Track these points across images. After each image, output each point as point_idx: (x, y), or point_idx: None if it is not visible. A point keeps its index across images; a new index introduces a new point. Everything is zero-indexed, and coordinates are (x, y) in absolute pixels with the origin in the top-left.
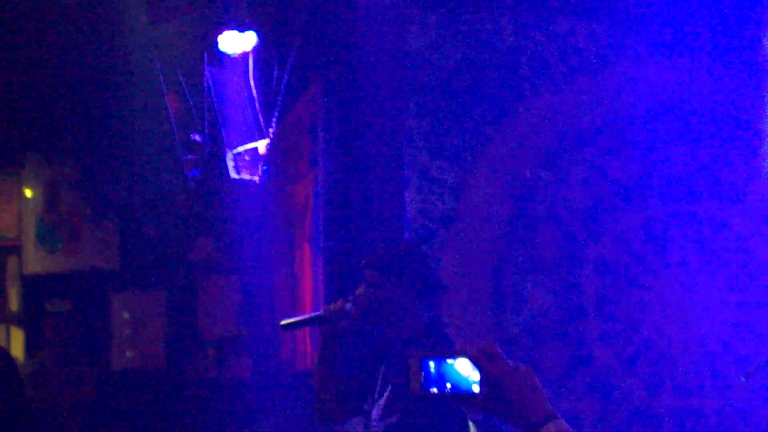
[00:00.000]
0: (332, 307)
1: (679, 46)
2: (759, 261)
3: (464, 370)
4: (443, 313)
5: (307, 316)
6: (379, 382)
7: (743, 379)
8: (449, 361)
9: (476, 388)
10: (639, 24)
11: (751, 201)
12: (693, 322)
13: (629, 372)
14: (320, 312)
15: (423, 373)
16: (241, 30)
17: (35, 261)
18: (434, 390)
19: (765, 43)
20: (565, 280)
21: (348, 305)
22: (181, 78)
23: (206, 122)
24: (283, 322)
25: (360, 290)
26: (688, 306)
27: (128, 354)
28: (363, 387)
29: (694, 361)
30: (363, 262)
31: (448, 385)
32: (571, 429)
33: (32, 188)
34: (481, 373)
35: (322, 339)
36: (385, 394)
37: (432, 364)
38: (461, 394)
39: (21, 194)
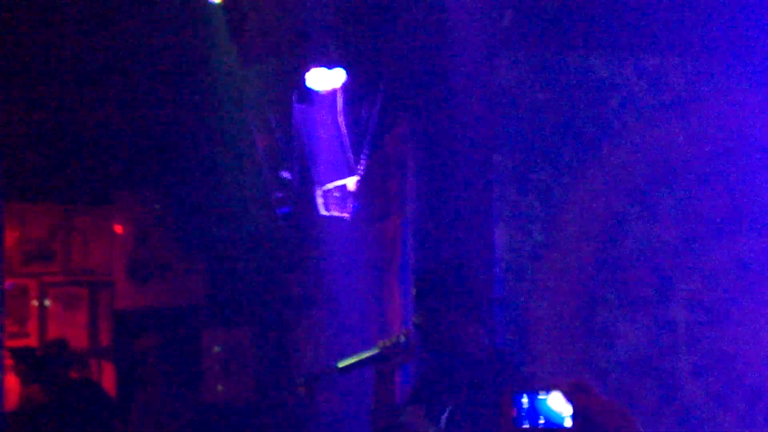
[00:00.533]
0: (387, 342)
1: None
2: None
3: (557, 405)
4: (512, 339)
5: (363, 354)
6: (445, 414)
7: None
8: (542, 395)
9: (569, 423)
10: (730, 58)
11: None
12: None
13: (721, 407)
14: (375, 349)
15: (515, 408)
16: (330, 67)
17: (126, 296)
18: (527, 425)
19: None
20: (655, 316)
21: (402, 338)
22: (270, 116)
23: (295, 160)
24: (340, 364)
25: (415, 319)
26: None
27: (219, 388)
28: (426, 416)
29: None
30: (414, 290)
31: (542, 420)
32: None
33: (123, 224)
34: (574, 407)
35: (377, 374)
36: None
37: (525, 398)
38: (554, 429)
39: (112, 230)
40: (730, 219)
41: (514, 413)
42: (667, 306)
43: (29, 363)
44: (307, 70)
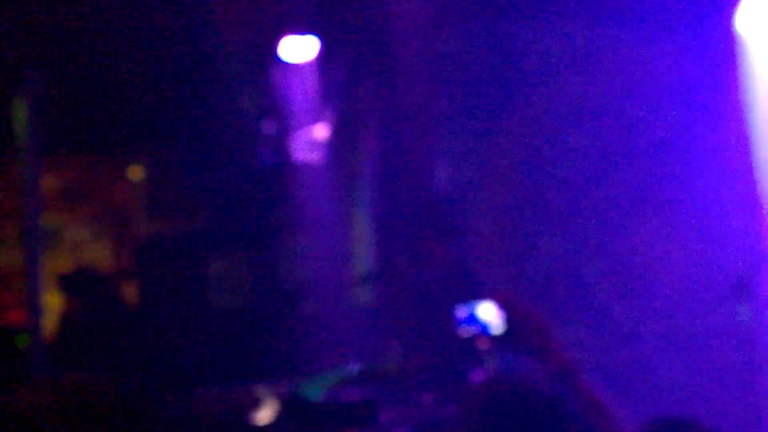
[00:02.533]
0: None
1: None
2: None
3: (489, 314)
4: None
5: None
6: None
7: None
8: (479, 305)
9: (500, 328)
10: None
11: None
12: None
13: (629, 306)
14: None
15: (458, 318)
16: (302, 34)
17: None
18: (470, 330)
19: None
20: (568, 230)
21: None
22: (251, 78)
23: (274, 116)
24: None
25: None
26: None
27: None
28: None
29: None
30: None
31: (480, 325)
32: (574, 358)
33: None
34: (505, 314)
35: None
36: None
37: (465, 309)
38: (488, 335)
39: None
40: (628, 154)
41: (458, 322)
42: (577, 221)
43: (87, 285)
44: (282, 37)
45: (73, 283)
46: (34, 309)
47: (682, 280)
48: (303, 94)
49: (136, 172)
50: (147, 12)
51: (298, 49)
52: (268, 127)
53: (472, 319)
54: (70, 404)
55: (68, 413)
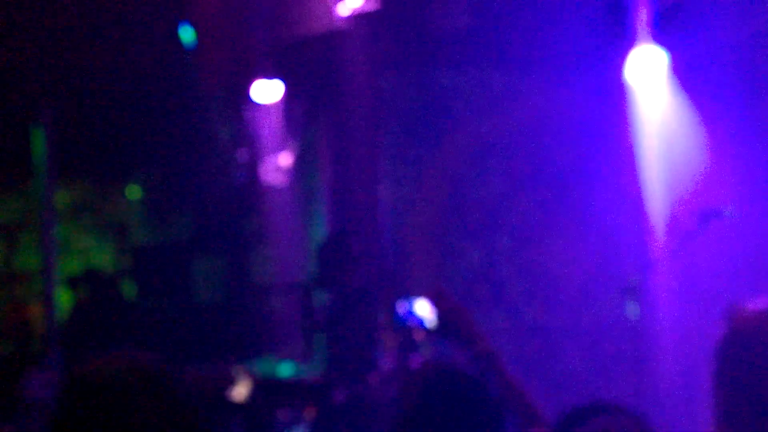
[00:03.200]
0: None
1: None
2: None
3: (423, 309)
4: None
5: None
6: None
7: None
8: (415, 301)
9: (432, 323)
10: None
11: None
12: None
13: (539, 303)
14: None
15: (398, 313)
16: (270, 78)
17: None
18: (409, 323)
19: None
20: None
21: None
22: (227, 115)
23: (246, 146)
24: None
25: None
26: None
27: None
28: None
29: None
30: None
31: (416, 319)
32: (494, 347)
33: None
34: (435, 311)
35: None
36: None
37: (404, 305)
38: (422, 327)
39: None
40: (536, 179)
41: (399, 316)
42: (493, 234)
43: (93, 284)
44: (253, 81)
45: (81, 283)
46: (50, 304)
47: (580, 284)
48: (270, 127)
49: (133, 191)
50: (142, 57)
51: (266, 91)
52: (242, 155)
53: (410, 314)
54: (132, 374)
55: (132, 382)
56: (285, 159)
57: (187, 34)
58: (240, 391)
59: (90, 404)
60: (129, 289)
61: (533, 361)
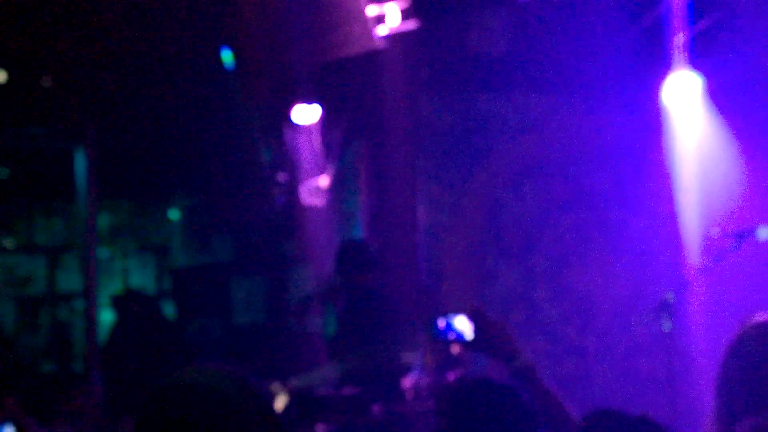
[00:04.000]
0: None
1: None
2: None
3: (462, 324)
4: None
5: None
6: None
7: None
8: (453, 317)
9: (470, 336)
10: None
11: None
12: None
13: (574, 329)
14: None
15: (437, 328)
16: (309, 103)
17: (180, 259)
18: (448, 337)
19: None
20: (523, 264)
21: None
22: (269, 138)
23: (287, 167)
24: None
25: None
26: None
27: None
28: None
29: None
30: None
31: (453, 335)
32: (532, 361)
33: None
34: (474, 324)
35: None
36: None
37: (443, 320)
38: (462, 340)
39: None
40: (572, 201)
41: (437, 331)
42: (530, 256)
43: (139, 303)
44: (294, 104)
45: (123, 303)
46: (91, 324)
47: (616, 304)
48: (309, 149)
49: (173, 213)
50: (184, 80)
51: (306, 113)
52: (281, 177)
53: (448, 328)
54: (228, 381)
55: (229, 388)
56: (324, 181)
57: (227, 58)
58: (277, 406)
59: (186, 410)
60: (169, 310)
61: (570, 380)
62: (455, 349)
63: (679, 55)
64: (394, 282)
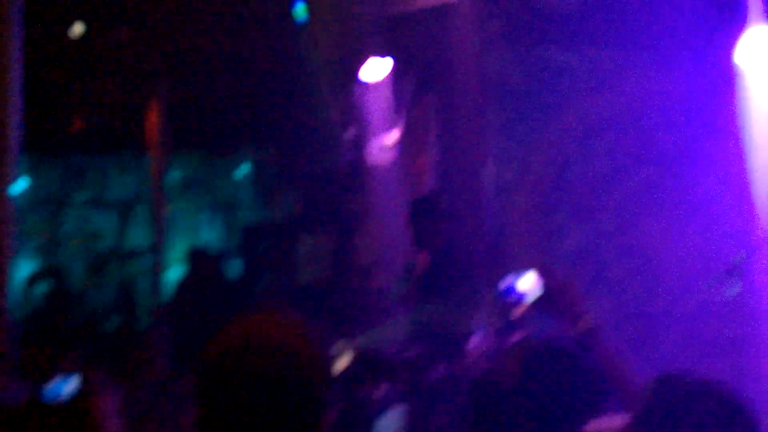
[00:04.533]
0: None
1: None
2: None
3: (530, 282)
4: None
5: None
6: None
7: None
8: (520, 276)
9: (537, 294)
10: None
11: None
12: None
13: (643, 283)
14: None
15: (503, 287)
16: (381, 56)
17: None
18: (514, 297)
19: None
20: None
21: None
22: (339, 94)
23: (355, 123)
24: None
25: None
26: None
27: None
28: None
29: None
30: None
31: (517, 296)
32: (597, 323)
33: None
34: (543, 284)
35: None
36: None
37: (509, 279)
38: (529, 299)
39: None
40: (641, 159)
41: (503, 290)
42: (599, 214)
43: (198, 262)
44: (365, 59)
45: (190, 260)
46: (158, 281)
47: (683, 265)
48: (378, 106)
49: (242, 168)
50: (255, 34)
51: (375, 68)
52: (349, 133)
53: (512, 288)
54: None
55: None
56: (392, 138)
57: (300, 12)
58: (342, 364)
59: (247, 360)
60: (235, 267)
61: (634, 341)
62: (519, 309)
63: (756, 10)
64: (462, 239)
